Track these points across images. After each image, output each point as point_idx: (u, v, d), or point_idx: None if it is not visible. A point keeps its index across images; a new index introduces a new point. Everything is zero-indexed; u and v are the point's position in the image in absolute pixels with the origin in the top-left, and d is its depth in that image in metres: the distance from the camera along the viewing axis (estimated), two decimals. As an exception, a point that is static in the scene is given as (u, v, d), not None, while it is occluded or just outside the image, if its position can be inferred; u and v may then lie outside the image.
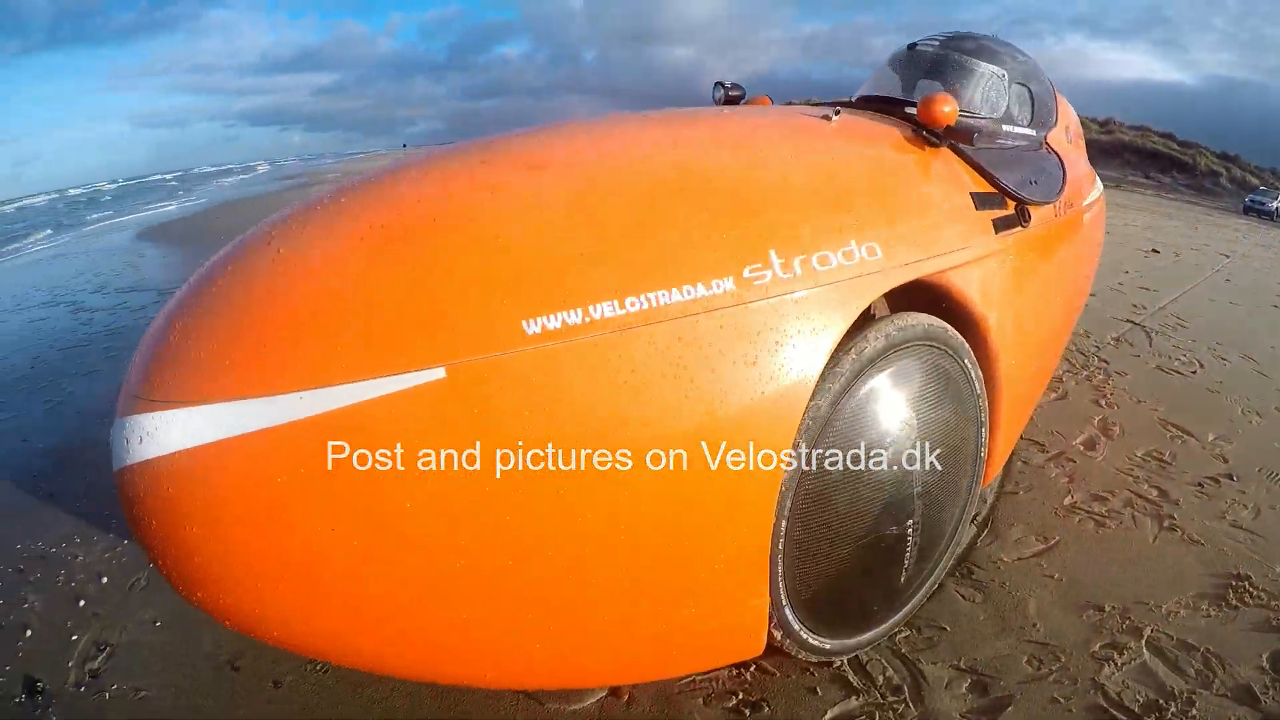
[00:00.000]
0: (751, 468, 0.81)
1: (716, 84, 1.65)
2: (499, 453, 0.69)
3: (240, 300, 0.71)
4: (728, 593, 0.89)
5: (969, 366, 1.16)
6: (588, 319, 0.72)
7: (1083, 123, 2.39)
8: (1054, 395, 2.30)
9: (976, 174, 1.30)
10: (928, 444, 1.06)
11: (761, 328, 0.81)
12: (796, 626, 1.03)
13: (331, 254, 0.75)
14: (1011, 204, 1.33)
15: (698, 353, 0.77)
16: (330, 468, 0.65)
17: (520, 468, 0.70)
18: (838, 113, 1.23)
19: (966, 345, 1.16)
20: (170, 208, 12.34)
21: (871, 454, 0.99)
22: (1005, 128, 1.51)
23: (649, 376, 0.74)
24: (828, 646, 1.10)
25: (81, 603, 1.46)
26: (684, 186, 0.90)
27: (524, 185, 0.85)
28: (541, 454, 0.70)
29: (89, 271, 5.48)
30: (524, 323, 0.70)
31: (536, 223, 0.80)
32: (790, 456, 0.88)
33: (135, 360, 0.73)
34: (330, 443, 0.64)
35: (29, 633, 1.39)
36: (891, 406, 1.02)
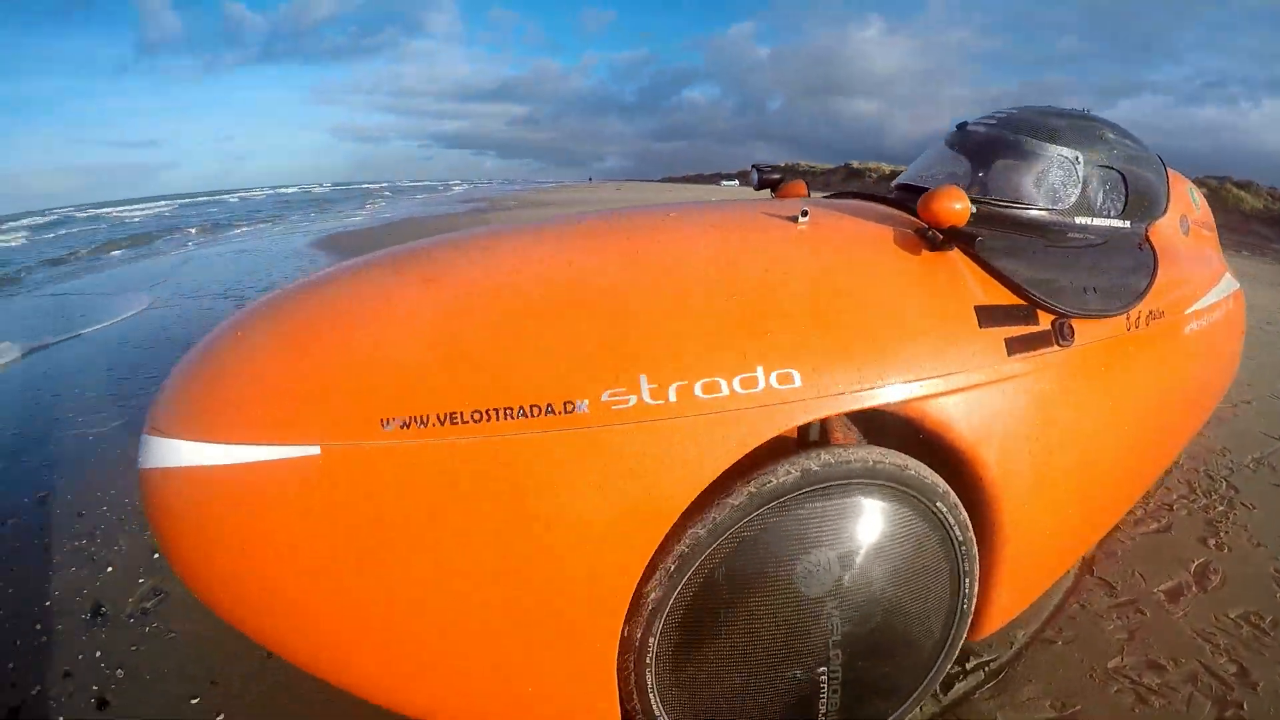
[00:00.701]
0: (591, 582, 0.85)
1: (753, 166, 1.69)
2: (363, 528, 0.82)
3: (209, 371, 0.93)
4: (575, 691, 0.93)
5: (943, 510, 1.03)
6: (435, 424, 0.80)
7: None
8: (1154, 526, 1.96)
9: (997, 282, 1.16)
10: (853, 592, 0.98)
11: (617, 454, 0.83)
12: None
13: (263, 343, 0.94)
14: (1047, 318, 1.18)
15: (537, 469, 0.82)
16: (241, 507, 0.84)
17: (380, 545, 0.82)
18: (805, 214, 1.17)
19: (942, 486, 1.03)
20: (357, 219, 13.81)
21: (767, 593, 0.94)
22: (1078, 220, 1.36)
23: (486, 485, 0.82)
24: None
25: (156, 555, 1.78)
26: (561, 305, 0.93)
27: (413, 297, 0.97)
28: (393, 538, 0.82)
29: (262, 271, 6.55)
30: (382, 421, 0.81)
31: (408, 333, 0.91)
32: (659, 580, 0.89)
33: (157, 392, 0.96)
34: (243, 490, 0.83)
35: (110, 569, 1.73)
36: (803, 546, 0.94)
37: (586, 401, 0.82)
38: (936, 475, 1.04)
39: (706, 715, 1.00)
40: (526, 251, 1.11)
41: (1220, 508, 2.09)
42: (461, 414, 0.81)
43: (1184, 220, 1.68)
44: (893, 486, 0.99)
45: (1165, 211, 1.57)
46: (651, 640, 0.92)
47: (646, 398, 0.84)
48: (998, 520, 1.13)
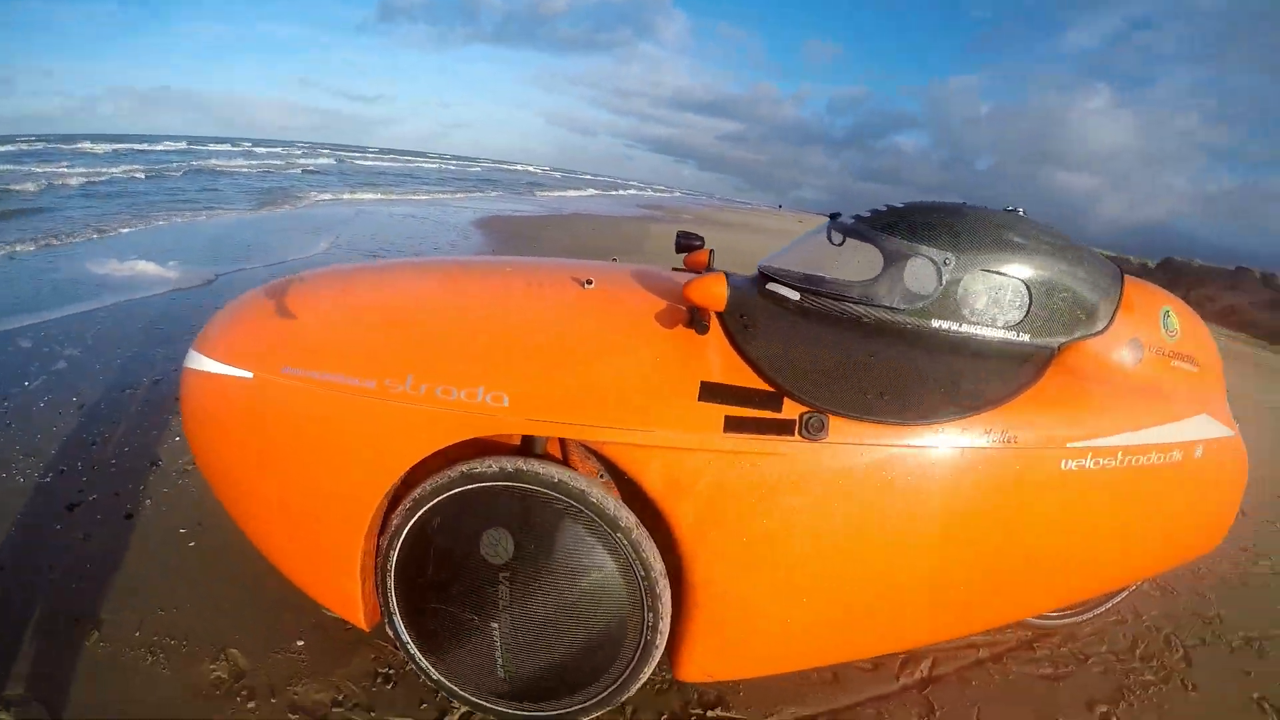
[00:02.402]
0: (345, 498, 1.29)
1: (680, 233, 1.81)
2: (265, 430, 1.32)
3: (228, 312, 1.50)
4: (337, 568, 1.35)
5: (624, 542, 1.23)
6: (304, 375, 1.27)
7: None
8: (1046, 670, 1.80)
9: (746, 365, 1.28)
10: (524, 574, 1.26)
11: (385, 421, 1.24)
12: (405, 638, 1.37)
13: (257, 304, 1.46)
14: (797, 408, 1.25)
15: (341, 418, 1.26)
16: (211, 401, 1.38)
17: (269, 443, 1.32)
18: (590, 282, 1.43)
19: (625, 521, 1.23)
20: (528, 207, 15.35)
21: (461, 546, 1.28)
22: (935, 323, 1.36)
23: (317, 419, 1.27)
24: (434, 676, 1.38)
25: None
26: (398, 316, 1.39)
27: (333, 297, 1.47)
28: (275, 440, 1.31)
29: (419, 237, 7.80)
30: (283, 367, 1.29)
31: (318, 319, 1.39)
32: (400, 512, 1.28)
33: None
34: (215, 390, 1.36)
35: (178, 439, 2.50)
36: (490, 522, 1.25)
37: (374, 381, 1.24)
38: (624, 510, 1.24)
39: (421, 624, 1.35)
40: (416, 276, 1.56)
41: (1148, 677, 1.86)
42: (317, 372, 1.27)
43: (1135, 345, 1.54)
44: (574, 505, 1.23)
45: (1103, 331, 1.49)
46: (392, 554, 1.31)
47: (407, 388, 1.23)
48: (692, 576, 1.28)
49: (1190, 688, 1.84)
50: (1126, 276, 1.62)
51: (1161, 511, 1.62)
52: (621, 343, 1.31)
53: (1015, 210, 1.55)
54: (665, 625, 1.29)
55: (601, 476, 1.38)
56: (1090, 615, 2.02)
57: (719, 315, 1.33)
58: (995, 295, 1.40)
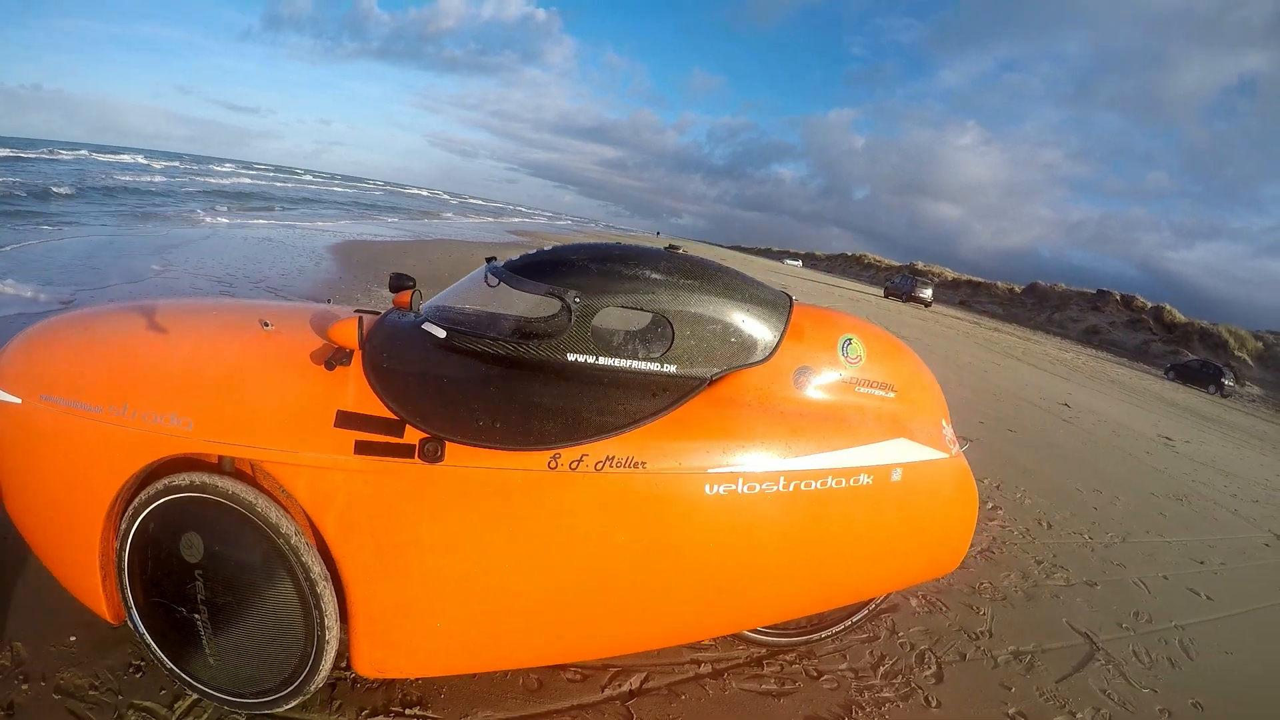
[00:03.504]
0: (82, 508, 1.45)
1: (392, 274, 1.84)
2: (30, 451, 1.47)
3: (17, 338, 1.60)
4: (80, 572, 1.50)
5: (285, 548, 1.38)
6: (56, 402, 1.43)
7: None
8: (769, 686, 1.80)
9: (377, 398, 1.42)
10: (214, 573, 1.42)
11: (108, 441, 1.41)
12: (142, 630, 1.50)
13: (39, 335, 1.60)
14: (419, 434, 1.38)
15: (73, 441, 1.43)
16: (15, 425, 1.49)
17: (31, 459, 1.47)
18: (267, 325, 1.58)
19: (286, 528, 1.37)
20: (391, 233, 15.11)
21: (168, 546, 1.43)
22: (571, 357, 1.47)
23: (64, 436, 1.43)
24: (168, 665, 1.50)
25: None
26: (126, 350, 1.53)
27: (98, 334, 1.59)
28: (37, 457, 1.46)
29: (268, 261, 7.41)
30: (42, 394, 1.46)
31: (75, 353, 1.54)
32: (127, 518, 1.43)
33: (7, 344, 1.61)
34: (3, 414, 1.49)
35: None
36: (185, 526, 1.41)
37: (101, 408, 1.42)
38: (285, 519, 1.38)
39: (151, 618, 1.48)
40: (152, 313, 1.65)
41: (886, 694, 1.88)
42: (64, 399, 1.44)
43: (805, 373, 1.60)
44: (244, 513, 1.38)
45: (764, 361, 1.56)
46: (125, 554, 1.46)
47: (124, 413, 1.41)
48: (345, 580, 1.42)
49: (934, 704, 1.89)
50: (799, 307, 1.70)
51: (860, 533, 1.65)
52: (279, 375, 1.48)
53: (675, 249, 1.67)
54: (333, 623, 1.42)
55: (283, 492, 1.47)
56: (829, 633, 2.03)
57: (362, 351, 1.48)
58: (634, 330, 1.54)
